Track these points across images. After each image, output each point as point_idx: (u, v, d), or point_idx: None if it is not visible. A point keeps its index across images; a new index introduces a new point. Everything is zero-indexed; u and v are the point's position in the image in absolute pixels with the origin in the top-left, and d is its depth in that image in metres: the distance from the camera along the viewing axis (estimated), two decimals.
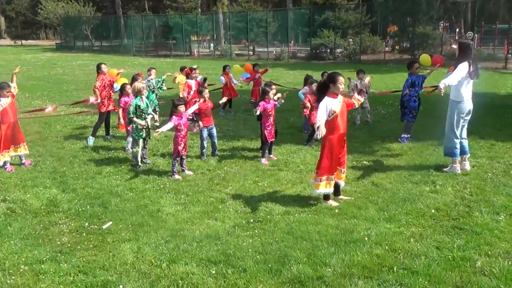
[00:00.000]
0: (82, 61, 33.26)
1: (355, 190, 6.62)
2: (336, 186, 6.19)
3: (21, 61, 34.34)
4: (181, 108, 7.46)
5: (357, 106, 6.39)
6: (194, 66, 11.70)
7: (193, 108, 8.01)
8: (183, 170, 7.58)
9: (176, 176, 7.36)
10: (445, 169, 7.32)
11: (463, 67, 6.84)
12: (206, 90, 8.55)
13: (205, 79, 11.40)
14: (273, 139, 8.27)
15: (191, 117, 9.90)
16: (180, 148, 7.40)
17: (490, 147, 8.66)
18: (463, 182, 6.79)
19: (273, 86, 8.32)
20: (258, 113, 7.84)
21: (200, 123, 8.34)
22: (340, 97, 5.84)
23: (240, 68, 13.98)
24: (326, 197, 6.12)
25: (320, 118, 5.56)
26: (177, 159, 7.47)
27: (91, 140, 9.54)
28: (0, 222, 5.76)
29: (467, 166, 7.38)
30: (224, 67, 13.09)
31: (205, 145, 8.41)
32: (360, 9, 33.49)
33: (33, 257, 4.82)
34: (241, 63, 16.58)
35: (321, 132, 5.46)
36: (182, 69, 11.83)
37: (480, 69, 7.30)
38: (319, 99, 5.86)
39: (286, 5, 42.12)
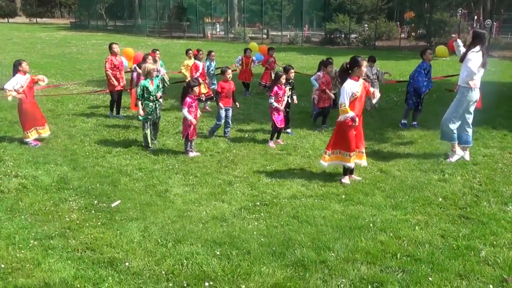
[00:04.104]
0: (96, 40, 33.36)
1: (363, 176, 6.61)
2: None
3: (36, 38, 34.59)
4: (196, 89, 7.49)
5: (373, 98, 6.52)
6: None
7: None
8: (191, 151, 7.64)
9: (191, 154, 7.51)
10: (450, 159, 7.23)
11: (478, 56, 6.73)
12: (229, 71, 8.51)
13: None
14: (283, 125, 8.28)
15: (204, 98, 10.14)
16: (190, 129, 7.44)
17: (502, 137, 8.55)
18: (473, 172, 6.75)
19: (292, 71, 8.39)
20: (273, 103, 7.91)
21: (220, 104, 8.41)
22: (360, 81, 6.10)
23: (256, 46, 13.91)
24: (349, 171, 6.40)
25: (344, 101, 5.98)
26: (189, 139, 7.53)
27: (111, 115, 10.29)
28: (12, 197, 5.87)
29: (467, 156, 7.30)
30: (245, 50, 13.06)
31: (220, 123, 8.55)
32: None
33: (43, 232, 4.91)
34: (258, 43, 16.51)
35: (350, 115, 5.96)
36: (187, 52, 11.82)
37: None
38: (342, 82, 6.18)
39: None
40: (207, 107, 10.88)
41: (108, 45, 10.32)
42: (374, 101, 6.36)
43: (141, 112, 7.78)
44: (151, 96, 7.83)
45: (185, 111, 7.36)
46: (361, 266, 4.24)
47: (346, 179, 6.39)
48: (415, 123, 9.47)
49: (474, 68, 6.70)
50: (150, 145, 7.92)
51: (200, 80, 10.43)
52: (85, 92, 13.00)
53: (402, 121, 9.52)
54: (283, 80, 7.97)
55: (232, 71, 8.79)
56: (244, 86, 13.22)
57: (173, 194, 6.00)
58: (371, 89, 6.31)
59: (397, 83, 13.52)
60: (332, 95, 9.11)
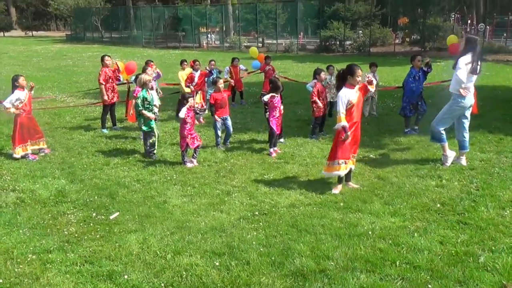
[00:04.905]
0: (91, 53, 33.42)
1: (361, 183, 6.62)
2: (348, 172, 6.43)
3: (31, 52, 34.63)
4: (191, 100, 7.53)
5: (372, 91, 6.51)
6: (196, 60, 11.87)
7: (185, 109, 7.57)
8: (189, 161, 7.64)
9: (189, 164, 7.52)
10: (445, 164, 7.26)
11: (463, 62, 6.78)
12: (221, 81, 8.60)
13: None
14: (280, 132, 8.32)
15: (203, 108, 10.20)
16: (188, 140, 7.45)
17: (498, 141, 8.58)
18: (470, 177, 6.76)
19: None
20: (265, 98, 8.05)
21: (215, 116, 8.44)
22: (356, 87, 6.10)
23: (256, 51, 13.91)
24: (340, 180, 6.38)
25: (340, 110, 6.00)
26: (185, 151, 7.55)
27: (104, 131, 10.00)
28: (10, 211, 5.85)
29: (463, 161, 7.33)
30: (233, 60, 13.10)
31: (219, 134, 8.56)
32: (370, 0, 33.18)
33: (41, 246, 4.90)
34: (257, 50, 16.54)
35: (343, 124, 5.97)
36: (181, 63, 11.86)
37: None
38: (338, 88, 6.21)
39: None
40: (201, 119, 10.75)
41: (100, 58, 10.31)
42: (372, 89, 6.27)
43: (151, 115, 7.89)
44: (150, 106, 7.90)
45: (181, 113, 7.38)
46: (360, 274, 4.23)
47: (336, 189, 6.34)
48: (416, 127, 9.48)
49: (463, 77, 6.73)
50: (155, 153, 7.99)
51: (192, 87, 10.52)
52: (82, 105, 13.02)
53: (405, 130, 9.46)
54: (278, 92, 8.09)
55: (224, 82, 8.84)
56: (232, 98, 13.21)
57: (171, 205, 5.99)
58: (367, 79, 6.14)
59: (391, 89, 13.58)
60: (321, 104, 9.02)
